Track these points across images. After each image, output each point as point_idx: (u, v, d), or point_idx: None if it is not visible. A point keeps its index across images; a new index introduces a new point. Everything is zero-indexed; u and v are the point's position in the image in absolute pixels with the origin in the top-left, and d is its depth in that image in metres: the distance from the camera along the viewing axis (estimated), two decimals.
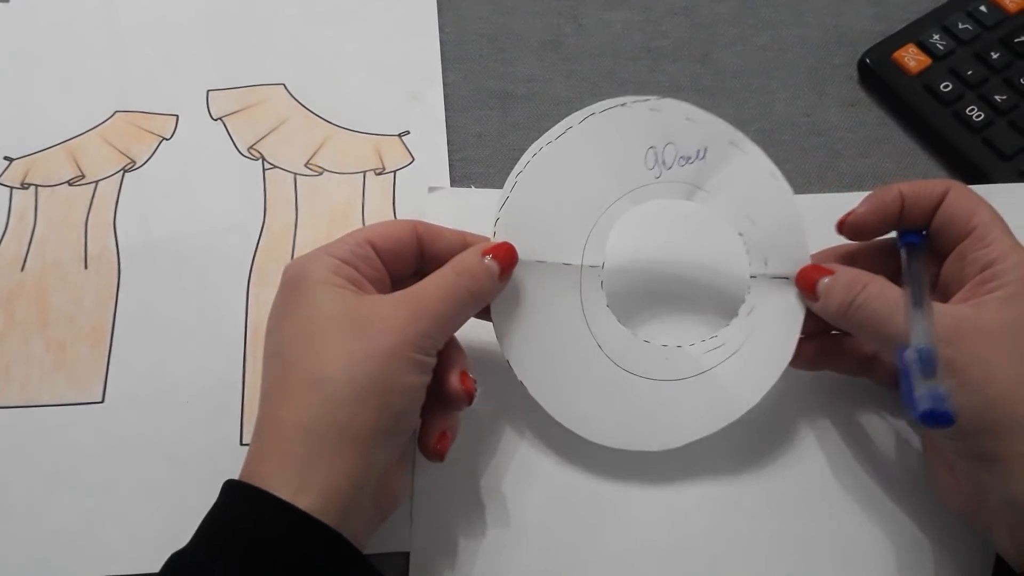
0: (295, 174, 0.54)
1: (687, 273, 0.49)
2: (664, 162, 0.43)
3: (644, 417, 0.43)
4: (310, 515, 0.34)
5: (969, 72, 0.56)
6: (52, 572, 0.42)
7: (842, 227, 0.42)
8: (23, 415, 0.46)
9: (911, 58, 0.57)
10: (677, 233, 0.49)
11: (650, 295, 0.48)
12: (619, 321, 0.43)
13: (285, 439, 0.36)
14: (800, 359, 0.43)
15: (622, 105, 0.43)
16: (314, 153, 0.55)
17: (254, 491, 0.35)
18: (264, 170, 0.54)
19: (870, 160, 0.55)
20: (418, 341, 0.37)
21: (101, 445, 0.45)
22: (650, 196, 0.43)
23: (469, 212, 0.43)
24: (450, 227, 0.43)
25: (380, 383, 0.36)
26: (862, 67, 0.58)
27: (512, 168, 0.42)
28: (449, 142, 0.55)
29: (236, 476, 0.37)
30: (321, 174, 0.54)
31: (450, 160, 0.54)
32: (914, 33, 0.58)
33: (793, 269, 0.43)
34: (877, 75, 0.57)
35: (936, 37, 0.57)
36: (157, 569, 0.35)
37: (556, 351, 0.43)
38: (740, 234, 0.43)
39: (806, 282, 0.42)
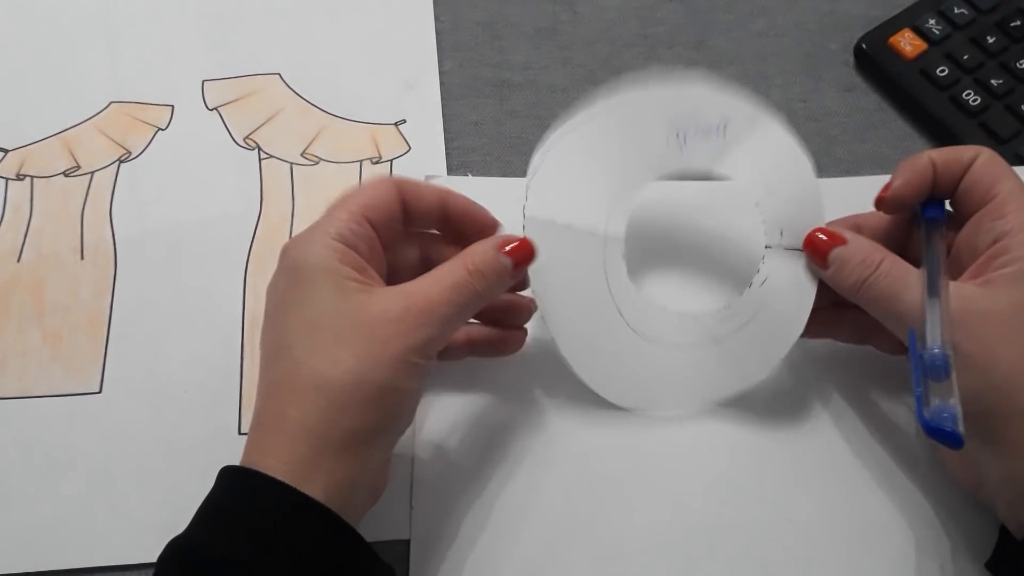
0: (291, 163, 0.54)
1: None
2: (685, 139, 0.44)
3: (658, 381, 0.44)
4: (313, 499, 0.35)
5: (965, 57, 0.56)
6: (49, 562, 0.42)
7: (881, 203, 0.41)
8: (20, 406, 0.46)
9: (907, 43, 0.57)
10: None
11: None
12: (638, 289, 0.44)
13: (288, 438, 0.36)
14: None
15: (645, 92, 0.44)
16: (310, 142, 0.54)
17: (256, 475, 0.35)
18: (260, 160, 0.54)
19: (867, 145, 0.55)
20: (424, 347, 0.37)
21: (98, 435, 0.45)
22: (673, 172, 0.44)
23: None
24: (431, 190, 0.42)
25: (386, 388, 0.36)
26: (858, 52, 0.58)
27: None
28: (445, 130, 0.55)
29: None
30: (317, 163, 0.54)
31: (447, 148, 0.54)
32: (910, 18, 0.58)
33: None
34: (873, 60, 0.57)
35: (932, 22, 0.57)
36: (155, 559, 0.35)
37: (582, 312, 0.44)
38: (756, 204, 0.43)
39: (816, 250, 0.41)
